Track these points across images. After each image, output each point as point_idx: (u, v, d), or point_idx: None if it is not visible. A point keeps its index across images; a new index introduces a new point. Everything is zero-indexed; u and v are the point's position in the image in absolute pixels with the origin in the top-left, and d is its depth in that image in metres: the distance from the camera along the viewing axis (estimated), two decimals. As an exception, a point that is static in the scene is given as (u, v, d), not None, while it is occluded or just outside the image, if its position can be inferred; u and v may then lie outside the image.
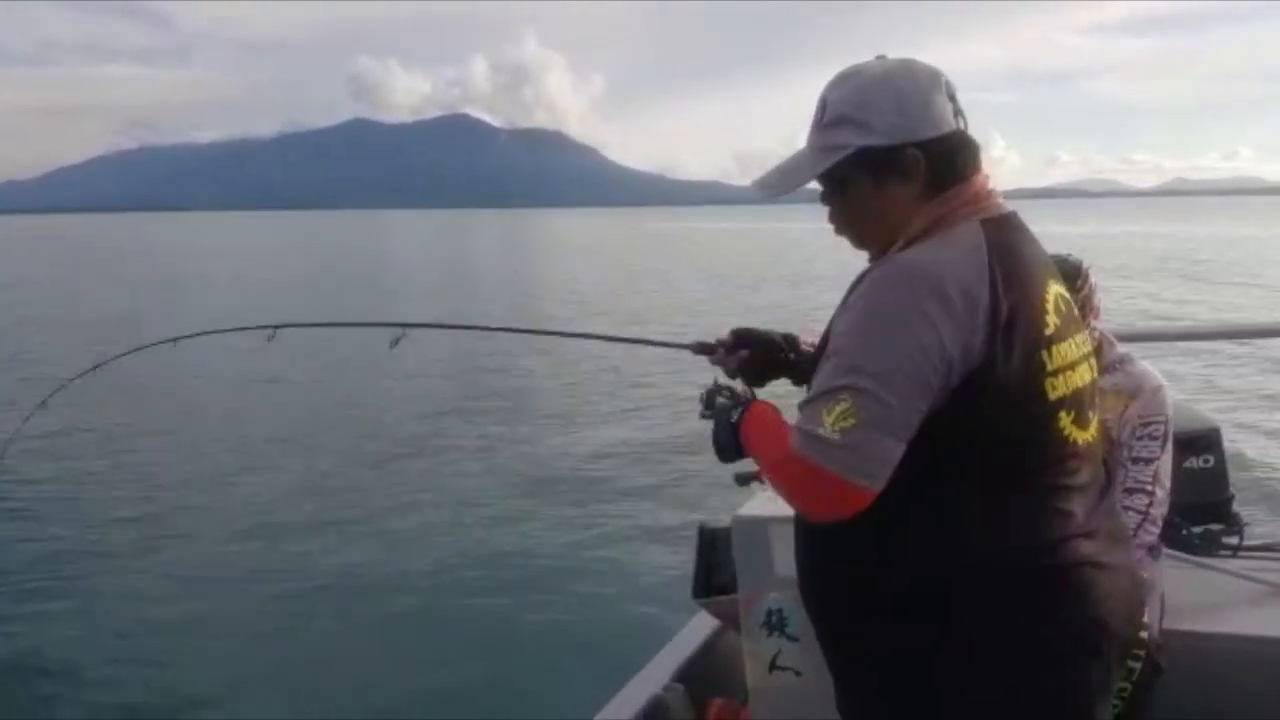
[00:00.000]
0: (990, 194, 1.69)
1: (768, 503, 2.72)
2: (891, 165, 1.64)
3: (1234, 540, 3.30)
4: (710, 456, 1.84)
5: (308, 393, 15.14)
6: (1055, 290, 1.65)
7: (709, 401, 1.90)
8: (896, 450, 1.50)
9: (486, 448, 11.64)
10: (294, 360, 16.22)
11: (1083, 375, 1.65)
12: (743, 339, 2.07)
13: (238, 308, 27.80)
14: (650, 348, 2.51)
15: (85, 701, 5.76)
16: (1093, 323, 2.81)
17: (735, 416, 1.79)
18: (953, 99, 1.67)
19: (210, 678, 5.97)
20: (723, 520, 3.00)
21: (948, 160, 1.65)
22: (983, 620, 1.57)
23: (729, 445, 1.79)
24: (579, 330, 2.96)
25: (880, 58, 1.72)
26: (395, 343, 2.41)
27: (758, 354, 2.06)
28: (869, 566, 1.63)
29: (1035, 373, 1.56)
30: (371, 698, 5.56)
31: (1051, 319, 1.60)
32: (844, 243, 1.78)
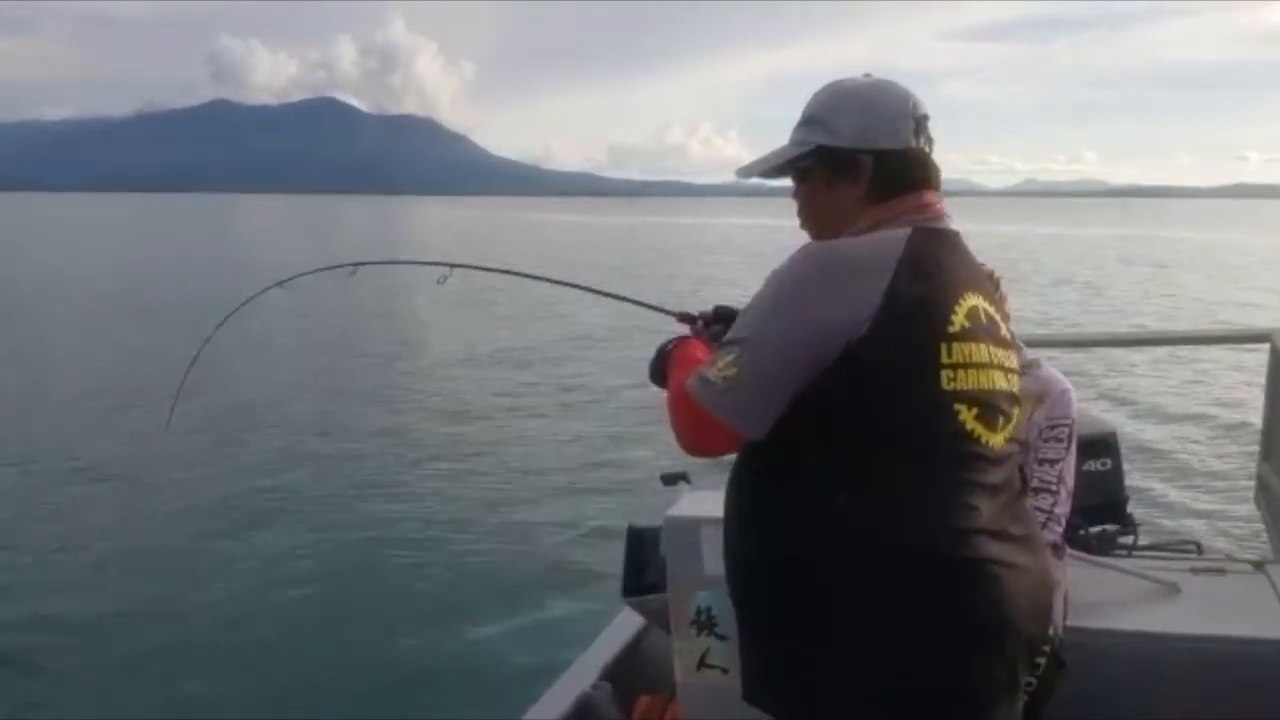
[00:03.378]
0: (934, 208, 1.81)
1: (698, 503, 2.77)
2: (845, 166, 1.82)
3: (1129, 540, 3.46)
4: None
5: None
6: (975, 300, 1.75)
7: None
8: (770, 402, 1.67)
9: (414, 444, 11.42)
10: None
11: (994, 379, 1.73)
12: (721, 314, 2.20)
13: (78, 291, 26.78)
14: (634, 307, 2.67)
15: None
16: None
17: (669, 345, 2.04)
18: (917, 121, 1.83)
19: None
20: (651, 520, 3.04)
21: (897, 172, 1.81)
22: (883, 607, 1.62)
23: (655, 370, 2.03)
24: (568, 280, 2.99)
25: (867, 75, 1.90)
26: (443, 280, 2.69)
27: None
28: (776, 544, 1.71)
29: (929, 360, 1.66)
30: (292, 697, 5.41)
31: (959, 320, 1.69)
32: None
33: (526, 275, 3.09)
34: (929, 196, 1.82)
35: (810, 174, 1.88)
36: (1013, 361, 1.82)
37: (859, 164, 1.81)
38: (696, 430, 1.77)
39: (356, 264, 2.91)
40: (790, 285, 1.70)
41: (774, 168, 1.93)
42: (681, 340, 2.07)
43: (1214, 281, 33.32)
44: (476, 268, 2.94)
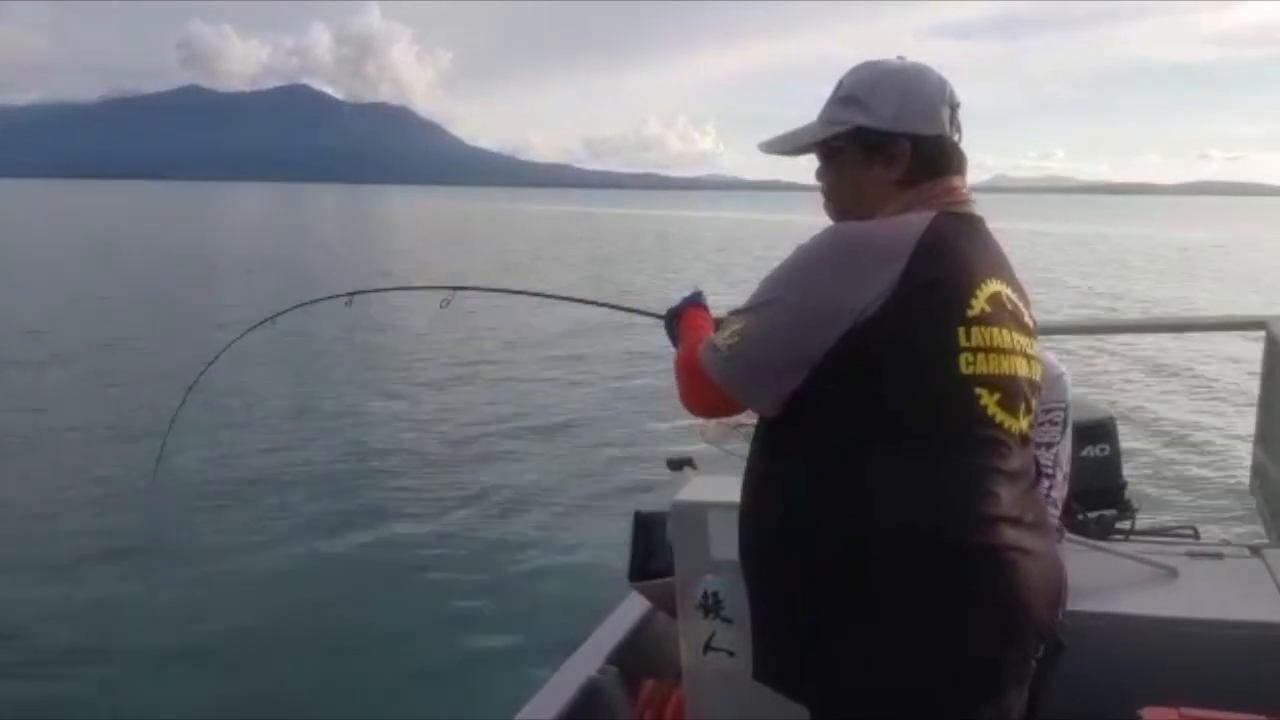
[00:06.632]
0: (960, 193, 1.81)
1: (705, 488, 2.78)
2: (881, 148, 1.80)
3: (1127, 525, 3.46)
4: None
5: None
6: (996, 286, 1.73)
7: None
8: (771, 373, 1.69)
9: (416, 425, 11.40)
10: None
11: (1016, 365, 1.72)
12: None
13: (50, 285, 26.26)
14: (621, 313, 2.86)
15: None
16: None
17: (679, 306, 2.22)
18: (952, 109, 1.83)
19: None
20: (658, 505, 3.06)
21: (933, 158, 1.80)
22: (901, 589, 1.62)
23: (670, 328, 2.21)
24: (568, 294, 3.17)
25: (900, 58, 1.89)
26: (445, 303, 2.80)
27: None
28: (792, 520, 1.70)
29: (946, 342, 1.64)
30: (292, 681, 5.38)
31: (980, 304, 1.68)
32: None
33: (532, 293, 3.26)
34: (956, 181, 1.82)
35: (841, 153, 1.86)
36: (1035, 350, 1.81)
37: (897, 147, 1.79)
38: (695, 393, 1.87)
39: (352, 293, 2.96)
40: (806, 260, 1.72)
41: (800, 145, 1.91)
42: (690, 306, 2.20)
43: (1186, 276, 33.71)
44: (479, 289, 3.06)
